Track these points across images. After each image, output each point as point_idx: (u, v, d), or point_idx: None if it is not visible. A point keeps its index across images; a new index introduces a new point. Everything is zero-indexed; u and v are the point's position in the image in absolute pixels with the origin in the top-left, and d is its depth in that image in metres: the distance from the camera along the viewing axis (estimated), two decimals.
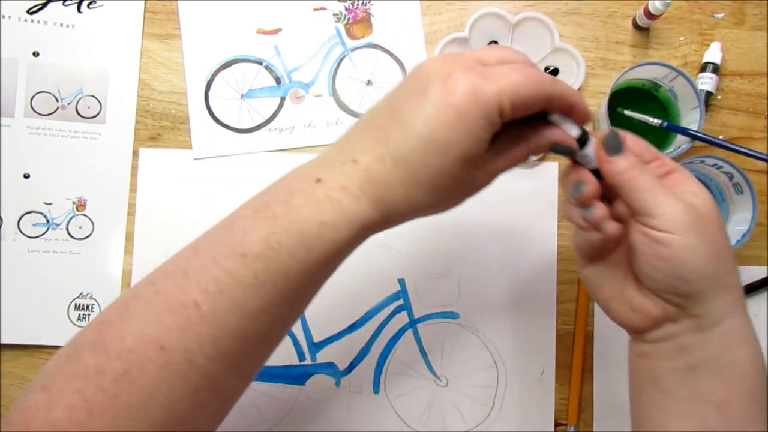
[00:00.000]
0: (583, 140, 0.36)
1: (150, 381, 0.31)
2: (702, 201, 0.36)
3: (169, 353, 0.31)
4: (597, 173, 0.37)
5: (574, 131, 0.36)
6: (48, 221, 0.55)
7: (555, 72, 0.57)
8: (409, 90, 0.33)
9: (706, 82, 0.56)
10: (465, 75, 0.32)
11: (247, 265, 0.33)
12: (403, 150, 0.33)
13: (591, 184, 0.37)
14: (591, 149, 0.37)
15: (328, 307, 0.56)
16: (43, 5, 0.56)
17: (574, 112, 0.36)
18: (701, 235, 0.34)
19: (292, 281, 0.33)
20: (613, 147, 0.36)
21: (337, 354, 0.55)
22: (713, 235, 0.35)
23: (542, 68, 0.57)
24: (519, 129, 0.35)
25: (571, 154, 0.37)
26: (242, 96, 0.57)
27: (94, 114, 0.56)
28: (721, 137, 0.53)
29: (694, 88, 0.51)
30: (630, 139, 0.37)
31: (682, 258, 0.34)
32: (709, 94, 0.56)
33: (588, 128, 0.37)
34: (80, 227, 0.55)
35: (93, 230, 0.55)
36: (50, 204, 0.55)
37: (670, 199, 0.35)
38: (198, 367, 0.32)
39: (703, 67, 0.57)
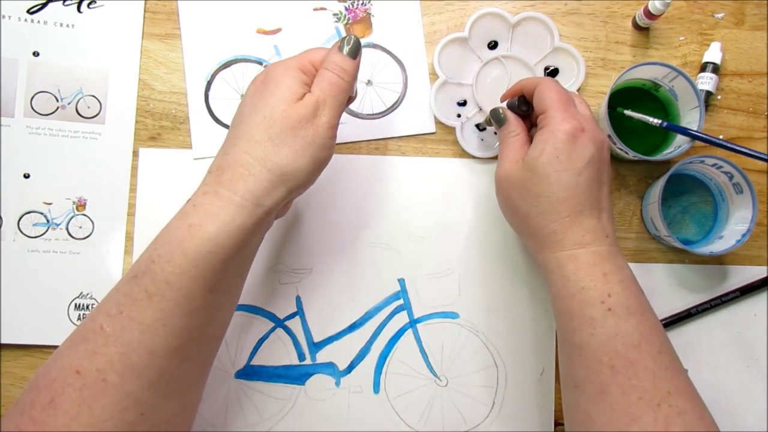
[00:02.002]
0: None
1: (71, 404, 0.34)
2: (522, 162, 0.45)
3: (84, 376, 0.35)
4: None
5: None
6: (48, 221, 0.55)
7: (555, 72, 0.57)
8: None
9: (706, 82, 0.56)
10: (276, 63, 0.43)
11: (138, 283, 0.37)
12: (237, 130, 0.40)
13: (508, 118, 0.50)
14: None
15: (328, 307, 0.56)
16: (43, 5, 0.56)
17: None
18: (505, 198, 0.47)
19: (178, 288, 0.36)
20: (497, 121, 0.49)
21: (337, 354, 0.55)
22: (509, 196, 0.46)
23: (542, 68, 0.57)
24: None
25: (358, 42, 0.43)
26: (242, 96, 0.57)
27: (94, 114, 0.56)
28: (721, 137, 0.53)
29: (694, 88, 0.52)
30: (540, 90, 0.46)
31: (504, 212, 0.49)
32: (709, 93, 0.56)
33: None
34: (80, 227, 0.55)
35: (93, 230, 0.55)
36: (50, 204, 0.55)
37: (503, 162, 0.46)
38: (112, 385, 0.35)
39: (703, 67, 0.57)
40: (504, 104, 0.50)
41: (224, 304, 0.41)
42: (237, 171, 0.38)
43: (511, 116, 0.48)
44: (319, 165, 0.41)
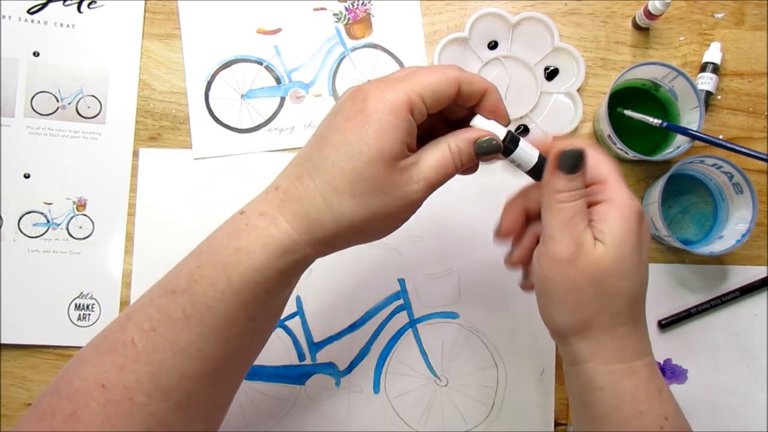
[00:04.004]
0: (513, 141, 0.37)
1: (94, 419, 0.32)
2: (604, 246, 0.35)
3: (110, 391, 0.33)
4: (536, 174, 0.38)
5: (500, 131, 0.36)
6: (48, 221, 0.55)
7: (555, 72, 0.57)
8: (327, 114, 0.36)
9: (706, 82, 0.56)
10: (372, 86, 0.34)
11: (175, 300, 0.34)
12: (319, 161, 0.34)
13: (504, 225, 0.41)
14: (524, 151, 0.37)
15: (328, 307, 0.56)
16: (44, 5, 0.56)
17: (488, 101, 0.36)
18: (566, 289, 0.36)
19: (218, 314, 0.34)
20: (569, 166, 0.36)
21: (337, 354, 0.55)
22: (581, 291, 0.36)
23: (542, 68, 0.57)
24: (443, 134, 0.36)
25: (496, 150, 0.36)
26: (242, 96, 0.57)
27: (95, 114, 0.56)
28: (721, 137, 0.53)
29: (694, 88, 0.52)
30: (592, 157, 0.37)
31: (541, 299, 0.38)
32: (709, 94, 0.56)
33: (532, 128, 0.37)
34: (80, 227, 0.55)
35: (93, 230, 0.55)
36: (50, 204, 0.55)
37: (563, 241, 0.36)
38: (139, 405, 0.33)
39: (703, 67, 0.57)
40: (567, 146, 0.37)
41: (262, 332, 0.38)
42: (304, 208, 0.34)
43: (608, 169, 0.38)
44: (390, 231, 0.36)
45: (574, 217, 0.36)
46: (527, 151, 0.37)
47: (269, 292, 0.35)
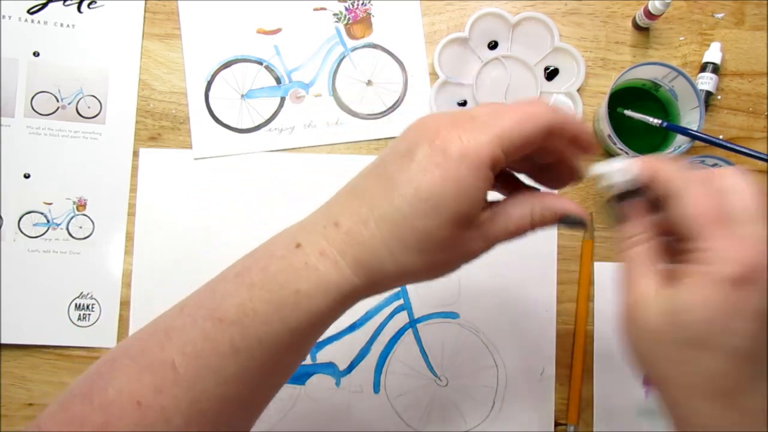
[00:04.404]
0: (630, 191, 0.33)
1: None
2: (684, 297, 0.29)
3: (146, 410, 0.32)
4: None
5: (630, 168, 0.32)
6: (48, 221, 0.55)
7: (555, 72, 0.57)
8: (397, 151, 0.32)
9: (706, 82, 0.56)
10: (452, 131, 0.30)
11: (223, 330, 0.32)
12: (388, 211, 0.31)
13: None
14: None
15: None
16: (44, 5, 0.56)
17: (578, 141, 0.33)
18: (637, 346, 0.32)
19: (269, 349, 0.33)
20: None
21: (337, 354, 0.55)
22: (657, 346, 0.30)
23: (542, 68, 0.57)
24: (525, 197, 0.34)
25: (582, 226, 0.34)
26: (242, 96, 0.57)
27: (95, 114, 0.56)
28: (721, 137, 0.53)
29: (694, 88, 0.52)
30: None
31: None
32: (709, 94, 0.56)
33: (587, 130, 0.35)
34: (80, 227, 0.55)
35: (93, 230, 0.55)
36: (50, 204, 0.55)
37: (627, 292, 0.32)
38: (174, 426, 0.32)
39: (703, 67, 0.57)
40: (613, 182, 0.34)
41: (303, 355, 0.38)
42: (367, 256, 0.32)
43: (636, 214, 0.34)
44: (446, 275, 0.34)
45: (645, 262, 0.32)
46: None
47: (322, 330, 0.34)
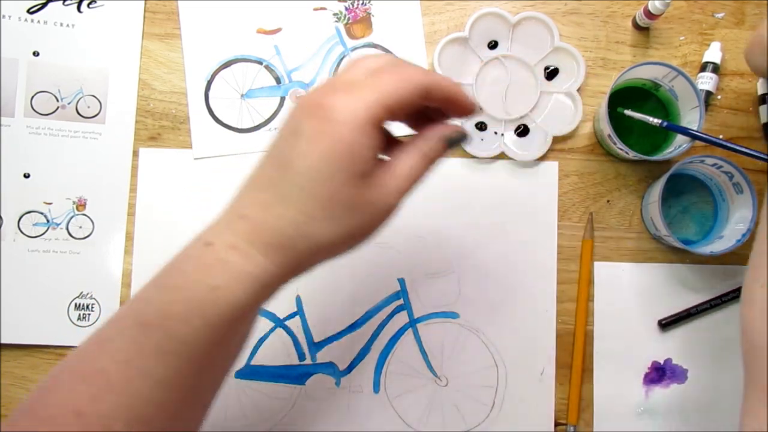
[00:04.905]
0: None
1: None
2: None
3: (85, 419, 0.32)
4: None
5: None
6: (48, 221, 0.55)
7: (555, 72, 0.57)
8: (285, 134, 0.33)
9: (706, 81, 0.56)
10: (332, 99, 0.32)
11: (148, 335, 0.33)
12: (288, 190, 0.32)
13: None
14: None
15: (328, 307, 0.56)
16: (43, 5, 0.56)
17: (455, 102, 0.36)
18: None
19: (195, 349, 0.33)
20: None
21: (337, 354, 0.55)
22: None
23: (542, 68, 0.57)
24: (409, 139, 0.36)
25: (465, 138, 0.37)
26: (242, 96, 0.57)
27: (94, 114, 0.56)
28: (721, 137, 0.53)
29: (694, 87, 0.51)
30: None
31: None
32: (709, 93, 0.56)
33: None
34: (80, 227, 0.55)
35: (93, 230, 0.55)
36: (50, 204, 0.55)
37: None
38: None
39: (703, 67, 0.57)
40: None
41: (238, 349, 0.38)
42: (278, 239, 0.33)
43: None
44: (361, 245, 0.35)
45: None
46: None
47: (246, 321, 0.34)
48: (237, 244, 0.33)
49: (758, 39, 0.45)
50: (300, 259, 0.33)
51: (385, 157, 0.36)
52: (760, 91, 0.57)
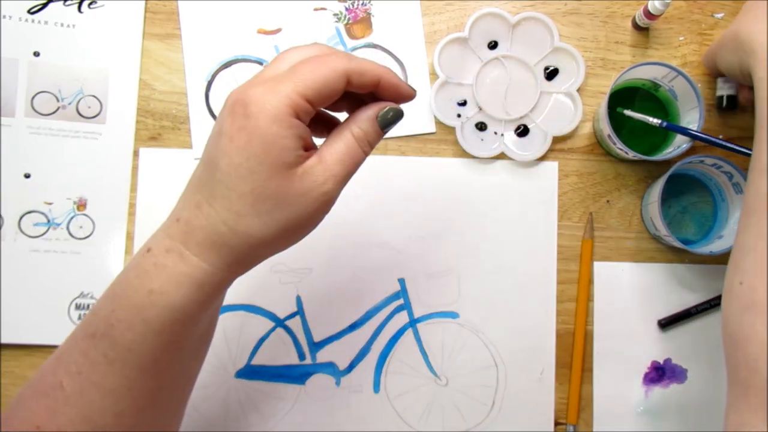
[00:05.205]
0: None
1: None
2: None
3: None
4: None
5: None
6: (48, 221, 0.55)
7: (555, 72, 0.57)
8: (212, 135, 0.33)
9: (727, 87, 0.55)
10: (249, 93, 0.31)
11: (96, 345, 0.33)
12: (215, 188, 0.32)
13: None
14: None
15: (328, 307, 0.56)
16: (44, 5, 0.56)
17: (387, 86, 0.34)
18: None
19: (142, 355, 0.33)
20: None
21: (337, 353, 0.55)
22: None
23: (542, 68, 0.57)
24: (340, 125, 0.35)
25: (401, 116, 0.35)
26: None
27: (95, 114, 0.56)
28: (721, 137, 0.53)
29: (694, 88, 0.52)
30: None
31: None
32: (732, 98, 0.55)
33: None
34: (81, 227, 0.55)
35: (93, 230, 0.55)
36: (51, 204, 0.55)
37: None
38: None
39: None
40: None
41: (198, 349, 0.38)
42: (209, 237, 0.32)
43: None
44: (308, 233, 0.35)
45: None
46: None
47: (192, 322, 0.34)
48: (172, 247, 0.33)
49: (730, 35, 0.48)
50: (237, 257, 0.33)
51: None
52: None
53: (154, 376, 0.34)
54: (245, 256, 0.33)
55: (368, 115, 0.34)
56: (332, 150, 0.33)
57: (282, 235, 0.33)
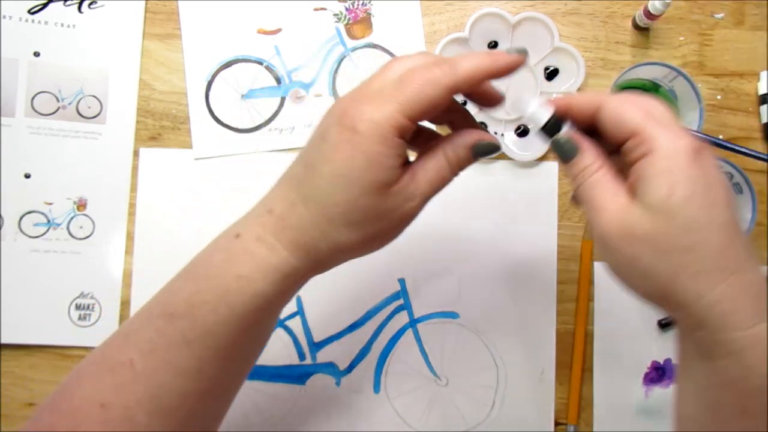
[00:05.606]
0: (553, 124, 0.35)
1: None
2: (646, 210, 0.31)
3: (109, 411, 0.33)
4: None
5: (544, 113, 0.35)
6: (49, 221, 0.55)
7: (555, 72, 0.57)
8: (314, 137, 0.35)
9: None
10: (358, 108, 0.32)
11: (174, 324, 0.34)
12: (311, 192, 0.33)
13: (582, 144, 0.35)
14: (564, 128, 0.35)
15: (328, 307, 0.56)
16: (44, 5, 0.56)
17: (480, 95, 0.35)
18: (621, 262, 0.32)
19: (221, 338, 0.34)
20: (562, 157, 0.35)
21: (338, 354, 0.55)
22: (638, 259, 0.31)
23: (542, 68, 0.57)
24: (435, 142, 0.35)
25: (496, 150, 0.35)
26: (242, 96, 0.57)
27: (95, 114, 0.56)
28: (720, 137, 0.53)
29: (694, 88, 0.52)
30: (614, 111, 0.33)
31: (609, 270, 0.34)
32: None
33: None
34: (81, 227, 0.55)
35: (93, 230, 0.55)
36: (51, 204, 0.55)
37: (599, 217, 0.32)
38: (139, 424, 0.33)
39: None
40: (563, 129, 0.36)
41: (262, 342, 0.39)
42: (300, 236, 0.34)
43: (586, 145, 0.35)
44: (384, 245, 0.36)
45: (594, 189, 0.33)
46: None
47: (270, 313, 0.36)
48: (263, 236, 0.34)
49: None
50: (321, 257, 0.34)
51: (412, 156, 0.36)
52: (761, 91, 0.57)
53: (224, 361, 0.35)
54: (328, 258, 0.35)
55: (465, 142, 0.35)
56: (425, 170, 0.34)
57: (366, 244, 0.35)
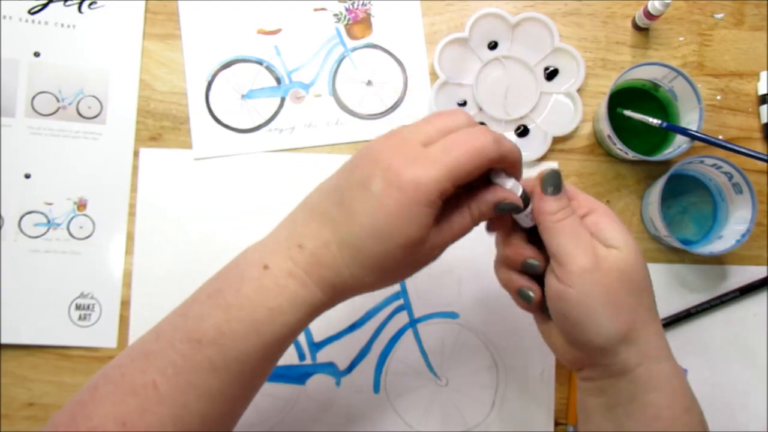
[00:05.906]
0: (524, 199, 0.37)
1: None
2: (618, 249, 0.37)
3: (131, 430, 0.33)
4: (532, 231, 0.39)
5: (518, 190, 0.37)
6: (49, 221, 0.55)
7: (555, 72, 0.57)
8: (352, 179, 0.35)
9: None
10: (405, 166, 0.33)
11: (201, 350, 0.34)
12: (348, 237, 0.35)
13: (536, 293, 0.40)
14: (529, 209, 0.38)
15: None
16: (44, 5, 0.56)
17: (514, 170, 0.37)
18: (602, 295, 0.36)
19: (247, 364, 0.35)
20: (552, 186, 0.38)
21: (338, 354, 0.55)
22: (616, 293, 0.36)
23: (542, 68, 0.57)
24: (460, 198, 0.37)
25: (517, 210, 0.38)
26: (242, 96, 0.57)
27: (95, 114, 0.56)
28: (720, 137, 0.53)
29: (694, 88, 0.52)
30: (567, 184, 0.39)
31: (578, 318, 0.36)
32: None
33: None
34: (81, 227, 0.55)
35: (94, 230, 0.55)
36: (51, 204, 0.55)
37: (580, 252, 0.36)
38: None
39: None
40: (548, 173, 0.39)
41: (271, 369, 0.40)
42: (331, 276, 0.35)
43: (570, 186, 0.40)
44: (401, 281, 0.40)
45: (578, 228, 0.37)
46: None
47: (292, 339, 0.37)
48: (294, 272, 0.35)
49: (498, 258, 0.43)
50: (346, 293, 0.37)
51: None
52: (761, 91, 0.57)
53: (245, 385, 0.36)
54: (351, 293, 0.37)
55: (489, 200, 0.37)
56: (450, 223, 0.36)
57: (387, 283, 0.38)
